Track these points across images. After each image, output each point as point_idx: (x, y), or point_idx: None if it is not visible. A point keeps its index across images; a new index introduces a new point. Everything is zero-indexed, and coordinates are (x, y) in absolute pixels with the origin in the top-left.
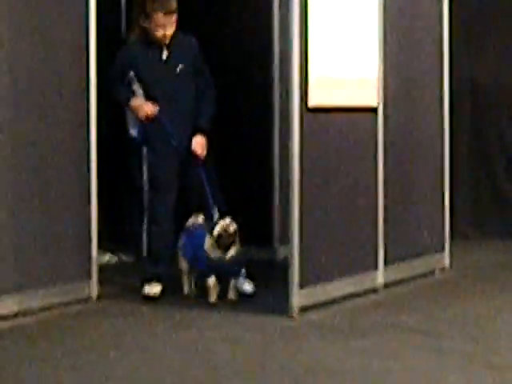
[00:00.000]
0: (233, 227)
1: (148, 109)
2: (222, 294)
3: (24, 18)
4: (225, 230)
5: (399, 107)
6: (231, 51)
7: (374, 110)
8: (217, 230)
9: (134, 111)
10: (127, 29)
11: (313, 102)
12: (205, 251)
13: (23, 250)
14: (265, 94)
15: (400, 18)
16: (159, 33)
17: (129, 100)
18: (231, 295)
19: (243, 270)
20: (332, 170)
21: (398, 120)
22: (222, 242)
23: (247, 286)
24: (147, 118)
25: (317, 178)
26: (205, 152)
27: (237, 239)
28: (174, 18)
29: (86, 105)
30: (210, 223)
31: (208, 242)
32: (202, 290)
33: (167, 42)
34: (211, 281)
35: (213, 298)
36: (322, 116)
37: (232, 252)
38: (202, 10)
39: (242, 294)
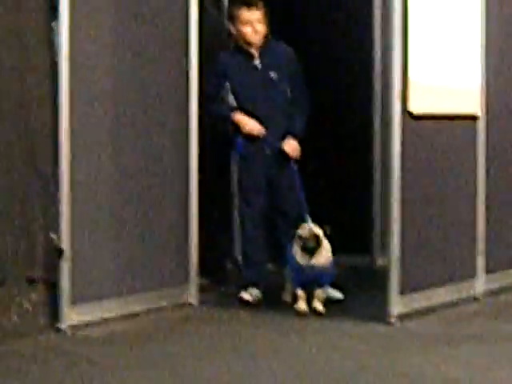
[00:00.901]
0: (318, 230)
1: (253, 125)
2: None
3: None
4: (310, 231)
5: (500, 116)
6: (333, 58)
7: (476, 119)
8: (300, 232)
9: (239, 125)
10: None
11: (414, 108)
12: (294, 257)
13: (125, 255)
14: (366, 102)
15: (502, 25)
16: (248, 31)
17: (229, 113)
18: (315, 304)
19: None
20: (433, 176)
21: (500, 129)
22: (306, 245)
23: (335, 293)
24: (250, 133)
25: (417, 185)
26: (297, 155)
27: (324, 245)
28: (260, 14)
29: (186, 120)
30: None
31: (295, 247)
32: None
33: (258, 42)
34: (298, 289)
35: (300, 306)
36: (423, 124)
37: (320, 260)
38: (304, 19)
39: (331, 301)
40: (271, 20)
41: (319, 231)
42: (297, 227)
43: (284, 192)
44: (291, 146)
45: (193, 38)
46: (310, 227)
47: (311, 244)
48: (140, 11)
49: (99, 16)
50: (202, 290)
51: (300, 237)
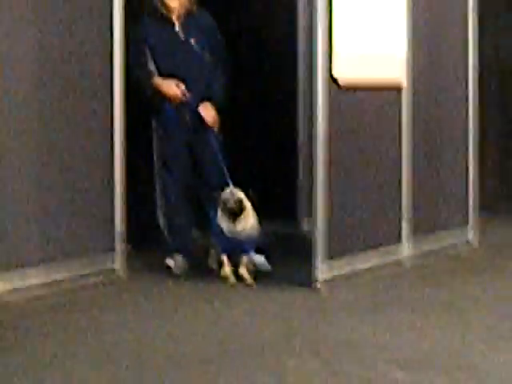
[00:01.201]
0: (241, 194)
1: (176, 88)
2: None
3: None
4: (232, 195)
5: (426, 83)
6: (256, 26)
7: (400, 89)
8: (222, 196)
9: (161, 89)
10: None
11: (338, 74)
12: (217, 224)
13: (48, 223)
14: (290, 68)
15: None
16: None
17: (150, 79)
18: (241, 271)
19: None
20: (358, 142)
21: (425, 95)
22: (228, 209)
23: (262, 262)
24: (173, 96)
25: (342, 151)
26: (214, 121)
27: (248, 210)
28: None
29: (111, 83)
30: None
31: (219, 212)
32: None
33: (178, 8)
34: (223, 255)
35: (225, 272)
36: (348, 92)
37: (244, 225)
38: None
39: (259, 272)
40: None
41: (242, 195)
42: (220, 193)
43: (205, 158)
44: (208, 111)
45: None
46: (233, 191)
47: (234, 208)
48: None
49: None
50: (128, 256)
51: (223, 201)
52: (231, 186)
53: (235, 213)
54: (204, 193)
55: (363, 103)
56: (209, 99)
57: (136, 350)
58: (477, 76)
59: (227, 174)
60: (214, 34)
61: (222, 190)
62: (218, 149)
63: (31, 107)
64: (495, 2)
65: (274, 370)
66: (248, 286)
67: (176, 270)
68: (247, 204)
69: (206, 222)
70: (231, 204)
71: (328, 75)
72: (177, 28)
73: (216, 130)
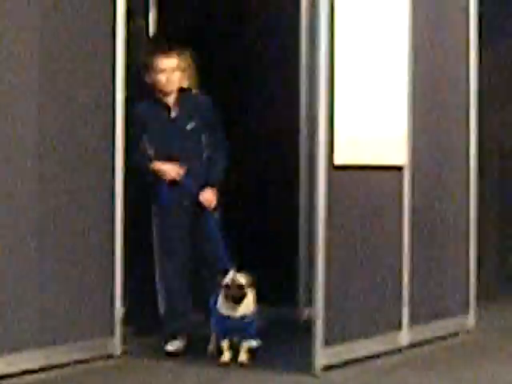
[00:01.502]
0: (243, 279)
1: (174, 171)
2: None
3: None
4: (233, 280)
5: (426, 167)
6: (258, 107)
7: (401, 169)
8: (225, 281)
9: (160, 173)
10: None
11: (339, 160)
12: (217, 308)
13: (47, 306)
14: (293, 151)
15: (428, 76)
16: (161, 80)
17: (147, 164)
18: (242, 357)
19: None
20: (358, 228)
21: (425, 180)
22: (231, 294)
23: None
24: (171, 179)
25: (342, 236)
26: (213, 204)
27: (249, 296)
28: (176, 62)
29: (113, 168)
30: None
31: (219, 297)
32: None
33: (171, 92)
34: (223, 341)
35: (224, 359)
36: (348, 174)
37: (243, 310)
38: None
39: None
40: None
41: (243, 280)
42: (221, 277)
43: (204, 242)
44: (206, 197)
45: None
46: (234, 276)
47: (235, 293)
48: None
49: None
50: (125, 341)
51: (225, 286)
52: (232, 272)
53: (237, 298)
54: (204, 276)
55: (364, 187)
56: (207, 184)
57: None
58: (477, 159)
59: (228, 259)
60: (210, 113)
61: (224, 274)
62: (217, 233)
63: (33, 186)
64: (497, 85)
65: None
66: (243, 365)
67: (175, 352)
68: (248, 290)
69: (205, 305)
70: (232, 289)
71: (329, 161)
72: (173, 113)
73: (214, 211)
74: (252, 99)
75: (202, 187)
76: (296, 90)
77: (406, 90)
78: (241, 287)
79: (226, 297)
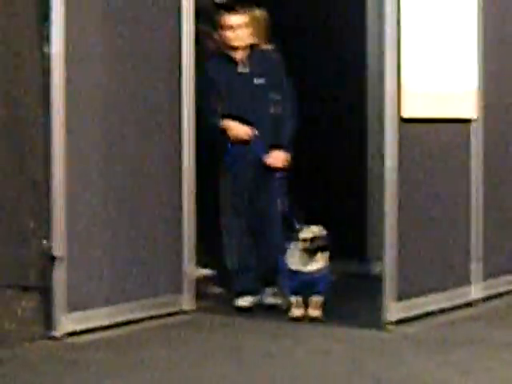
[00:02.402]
0: (319, 232)
1: (241, 130)
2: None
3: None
4: (310, 233)
5: (497, 121)
6: (327, 66)
7: (470, 122)
8: (301, 234)
9: (230, 132)
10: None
11: (407, 113)
12: (285, 265)
13: (119, 264)
14: (359, 106)
15: (499, 27)
16: (229, 36)
17: (218, 122)
18: (314, 312)
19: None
20: (427, 181)
21: (496, 132)
22: (311, 247)
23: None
24: (238, 138)
25: (412, 189)
26: (280, 163)
27: (327, 248)
28: (243, 19)
29: (180, 129)
30: (291, 234)
31: (289, 254)
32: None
33: (240, 47)
34: (293, 297)
35: (295, 313)
36: (417, 128)
37: (316, 265)
38: (298, 27)
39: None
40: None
41: (320, 233)
42: (291, 233)
43: (270, 203)
44: (276, 158)
45: (185, 53)
46: (314, 229)
47: (319, 244)
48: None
49: (92, 28)
50: (196, 297)
51: (303, 239)
52: (308, 226)
53: (312, 251)
54: (268, 238)
55: (432, 137)
56: (277, 146)
57: None
58: None
59: (294, 216)
60: (280, 71)
61: (292, 231)
62: (282, 191)
63: (102, 157)
64: None
65: None
66: (315, 320)
67: (248, 307)
68: (325, 243)
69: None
70: (315, 241)
71: (397, 115)
72: (242, 68)
73: (283, 172)
74: (319, 56)
75: (271, 148)
76: (364, 43)
77: (476, 44)
78: (317, 239)
79: (303, 250)
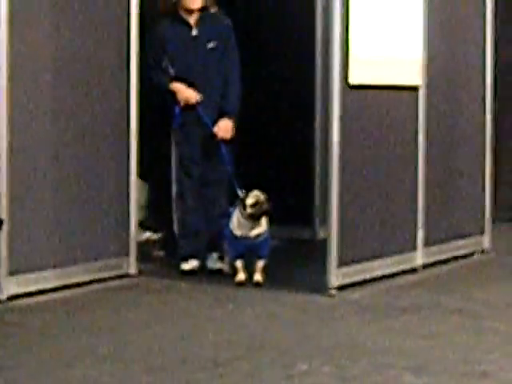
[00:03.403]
0: (264, 196)
1: (189, 94)
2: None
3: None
4: (255, 198)
5: (442, 87)
6: (274, 30)
7: (416, 89)
8: (247, 200)
9: (175, 94)
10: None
11: (354, 79)
12: (230, 229)
13: (64, 227)
14: (307, 72)
15: None
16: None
17: (167, 83)
18: (257, 277)
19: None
20: (373, 149)
21: (440, 100)
22: (257, 211)
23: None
24: (186, 102)
25: (357, 156)
26: (229, 134)
27: (268, 213)
28: None
29: (127, 87)
30: (234, 199)
31: (233, 220)
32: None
33: (196, 10)
34: (237, 261)
35: (240, 277)
36: (363, 93)
37: (261, 230)
38: None
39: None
40: None
41: (264, 198)
42: (235, 199)
43: (216, 167)
44: (223, 128)
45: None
46: (258, 194)
47: (262, 209)
48: None
49: None
50: (141, 260)
51: (248, 204)
52: (253, 191)
53: (257, 216)
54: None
55: (379, 104)
56: (224, 112)
57: (147, 351)
58: (492, 75)
59: (239, 182)
60: (230, 37)
61: (236, 197)
62: (229, 157)
63: (47, 117)
64: None
65: (287, 374)
66: (258, 284)
67: (192, 270)
68: (268, 208)
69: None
70: (254, 207)
71: (344, 80)
72: (195, 32)
73: (230, 141)
74: (267, 22)
75: (219, 116)
76: (312, 11)
77: (422, 9)
78: (262, 204)
79: (248, 216)
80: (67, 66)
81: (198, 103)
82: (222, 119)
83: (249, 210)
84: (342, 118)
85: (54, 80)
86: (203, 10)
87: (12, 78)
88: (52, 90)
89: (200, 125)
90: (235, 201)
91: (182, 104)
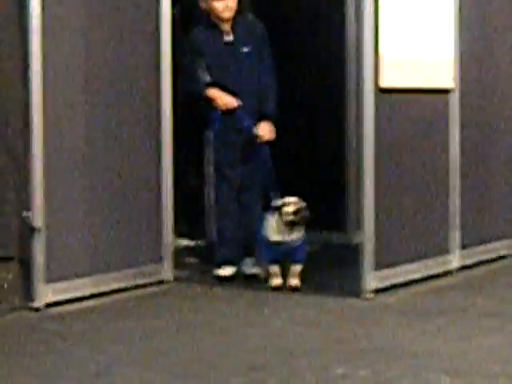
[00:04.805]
0: (299, 204)
1: (229, 100)
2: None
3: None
4: (291, 205)
5: (475, 90)
6: (304, 35)
7: (448, 92)
8: (285, 208)
9: (212, 100)
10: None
11: (385, 84)
12: (264, 235)
13: (99, 234)
14: (338, 78)
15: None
16: (219, 7)
17: (203, 90)
18: (293, 281)
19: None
20: (407, 153)
21: (473, 102)
22: (298, 219)
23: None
24: (226, 108)
25: (390, 160)
26: (273, 136)
27: (307, 219)
28: None
29: (158, 96)
30: (269, 205)
31: (269, 225)
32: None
33: (229, 18)
34: (272, 266)
35: (274, 282)
36: (395, 98)
37: (298, 235)
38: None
39: (248, 276)
40: None
41: (300, 205)
42: (272, 204)
43: (256, 172)
44: (265, 130)
45: (164, 11)
46: (298, 201)
47: (292, 218)
48: None
49: None
50: (176, 266)
51: (291, 212)
52: (288, 197)
53: (295, 222)
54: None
55: (410, 108)
56: (264, 115)
57: (183, 357)
58: None
59: (278, 187)
60: (265, 41)
61: (284, 202)
62: (269, 162)
63: (81, 126)
64: None
65: (323, 378)
66: (294, 289)
67: (228, 277)
68: (307, 214)
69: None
70: (290, 215)
71: (375, 84)
72: (229, 37)
73: (269, 144)
74: (298, 26)
75: (258, 120)
76: (342, 15)
77: (453, 13)
78: (298, 211)
79: (288, 222)
80: (99, 73)
81: (237, 108)
82: (263, 122)
83: (290, 218)
84: (374, 122)
85: (85, 90)
86: (236, 14)
87: (45, 84)
88: (83, 99)
89: (238, 130)
90: (267, 205)
91: (222, 110)
